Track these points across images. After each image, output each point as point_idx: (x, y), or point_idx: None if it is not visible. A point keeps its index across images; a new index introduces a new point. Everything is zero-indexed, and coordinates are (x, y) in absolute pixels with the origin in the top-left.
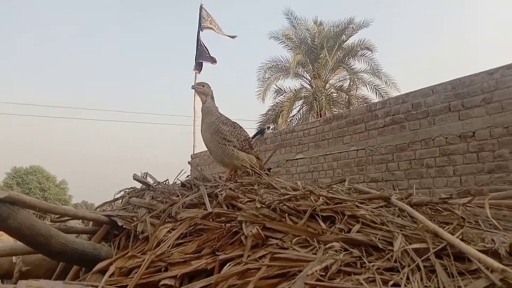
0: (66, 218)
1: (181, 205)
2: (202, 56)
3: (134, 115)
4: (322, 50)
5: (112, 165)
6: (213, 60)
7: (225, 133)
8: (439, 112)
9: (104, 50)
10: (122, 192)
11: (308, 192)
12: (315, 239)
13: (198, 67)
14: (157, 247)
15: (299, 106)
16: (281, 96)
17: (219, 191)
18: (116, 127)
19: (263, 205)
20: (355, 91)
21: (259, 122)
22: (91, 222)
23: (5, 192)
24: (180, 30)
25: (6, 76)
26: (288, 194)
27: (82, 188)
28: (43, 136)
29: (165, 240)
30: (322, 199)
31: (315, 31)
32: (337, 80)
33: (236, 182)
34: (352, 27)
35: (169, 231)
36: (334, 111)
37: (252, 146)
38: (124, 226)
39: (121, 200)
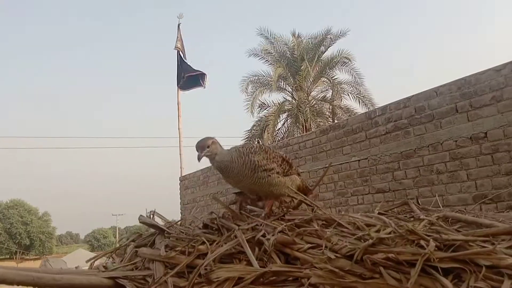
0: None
1: (212, 259)
2: (189, 74)
3: (114, 141)
4: (302, 62)
5: (94, 192)
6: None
7: (263, 164)
8: (446, 115)
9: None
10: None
11: (407, 232)
12: None
13: (185, 86)
14: None
15: (284, 119)
16: (265, 111)
17: (262, 236)
18: (96, 154)
19: (338, 255)
20: (339, 101)
21: (245, 138)
22: None
23: None
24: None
25: None
26: (369, 236)
27: (65, 218)
28: (21, 169)
29: None
30: (433, 241)
31: (293, 44)
32: (319, 92)
33: (283, 219)
34: (330, 38)
35: None
36: (320, 121)
37: (291, 164)
38: None
39: (123, 251)
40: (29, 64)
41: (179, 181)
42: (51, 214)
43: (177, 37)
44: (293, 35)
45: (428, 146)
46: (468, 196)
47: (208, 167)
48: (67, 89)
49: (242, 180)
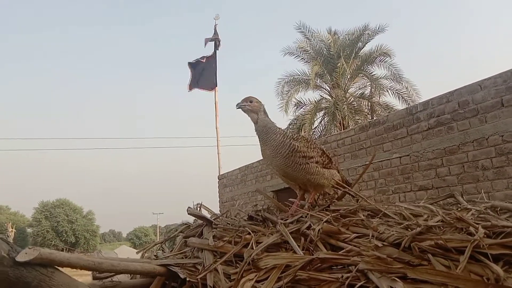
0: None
1: (260, 248)
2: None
3: (154, 141)
4: (339, 59)
5: (136, 192)
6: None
7: (303, 150)
8: (491, 109)
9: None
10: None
11: (454, 220)
12: None
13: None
14: None
15: (320, 118)
16: (301, 110)
17: (307, 227)
18: (134, 154)
19: (385, 243)
20: (378, 98)
21: None
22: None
23: (34, 252)
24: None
25: None
26: (417, 224)
27: (108, 216)
28: (66, 170)
29: None
30: (482, 228)
31: (330, 41)
32: (357, 88)
33: (328, 210)
34: (368, 34)
35: (253, 286)
36: (358, 119)
37: (331, 158)
38: (188, 279)
39: (171, 242)
40: (62, 68)
41: (217, 180)
42: (94, 213)
43: (213, 37)
44: (329, 32)
45: (472, 142)
46: None
47: (246, 165)
48: (105, 89)
49: (276, 156)
